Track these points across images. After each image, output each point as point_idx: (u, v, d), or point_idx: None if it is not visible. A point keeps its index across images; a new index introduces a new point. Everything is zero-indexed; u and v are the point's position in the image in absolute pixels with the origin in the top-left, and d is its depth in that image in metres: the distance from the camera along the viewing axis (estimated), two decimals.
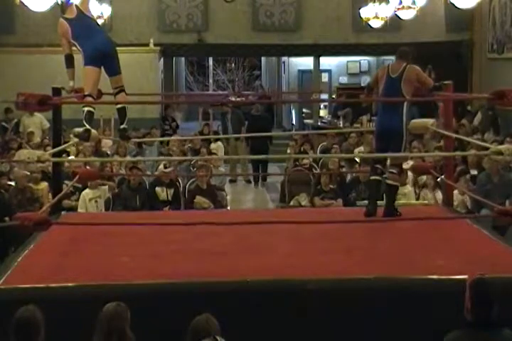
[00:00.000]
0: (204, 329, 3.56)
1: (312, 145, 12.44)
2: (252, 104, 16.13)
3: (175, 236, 5.73)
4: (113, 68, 6.45)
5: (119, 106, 6.67)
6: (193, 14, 16.76)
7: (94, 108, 6.37)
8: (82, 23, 6.44)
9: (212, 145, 12.82)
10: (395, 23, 15.51)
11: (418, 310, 4.53)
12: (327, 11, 16.85)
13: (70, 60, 6.49)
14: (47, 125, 12.62)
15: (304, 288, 4.59)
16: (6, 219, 7.99)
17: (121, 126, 6.82)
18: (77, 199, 9.17)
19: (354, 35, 16.98)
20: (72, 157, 10.07)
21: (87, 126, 6.30)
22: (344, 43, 17.11)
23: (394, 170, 6.46)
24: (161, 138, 12.44)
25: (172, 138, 12.67)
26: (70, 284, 4.64)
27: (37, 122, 13.36)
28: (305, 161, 10.80)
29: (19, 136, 13.15)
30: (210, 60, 25.20)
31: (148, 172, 10.40)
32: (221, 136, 14.01)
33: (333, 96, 18.23)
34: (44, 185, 9.26)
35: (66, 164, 8.80)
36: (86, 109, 6.29)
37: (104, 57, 6.34)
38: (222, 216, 7.47)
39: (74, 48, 6.48)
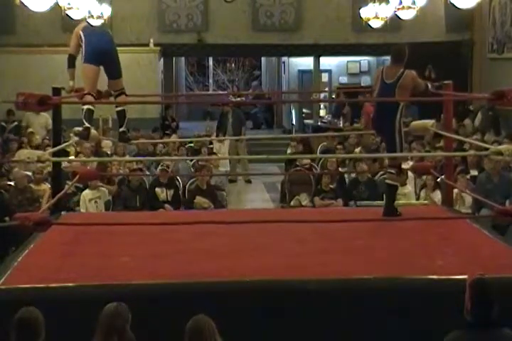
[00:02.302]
0: (201, 330, 3.56)
1: (311, 146, 12.45)
2: (252, 104, 16.16)
3: (175, 236, 5.73)
4: (113, 71, 6.53)
5: (118, 108, 6.72)
6: (193, 14, 16.76)
7: (93, 106, 6.41)
8: (96, 27, 6.67)
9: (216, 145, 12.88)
10: (395, 23, 15.51)
11: (418, 310, 4.53)
12: (327, 11, 16.85)
13: (72, 61, 6.59)
14: (51, 125, 12.63)
15: (304, 288, 4.59)
16: (6, 219, 7.99)
17: (121, 129, 6.85)
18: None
19: (354, 35, 16.98)
20: (72, 157, 10.05)
21: (87, 124, 6.34)
22: (344, 43, 17.12)
23: (392, 170, 6.49)
24: (161, 140, 12.43)
25: (171, 139, 12.66)
26: (70, 284, 4.64)
27: (42, 121, 13.36)
28: (305, 161, 10.80)
29: (19, 136, 13.14)
30: (210, 60, 25.18)
31: (148, 173, 10.39)
32: (219, 138, 13.96)
33: (333, 96, 18.22)
34: (46, 186, 9.25)
35: (66, 164, 8.80)
36: (85, 107, 6.35)
37: (104, 57, 6.39)
38: (222, 216, 7.47)
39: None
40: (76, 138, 7.01)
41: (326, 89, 20.04)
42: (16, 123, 13.88)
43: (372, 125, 6.67)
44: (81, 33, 6.51)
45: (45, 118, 13.17)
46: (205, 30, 16.85)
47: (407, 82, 6.12)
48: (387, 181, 6.56)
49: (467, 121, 14.37)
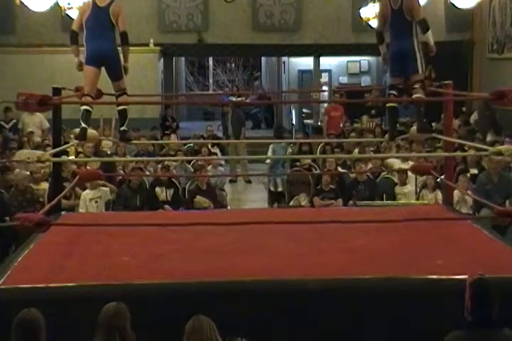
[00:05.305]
0: (201, 330, 3.56)
1: (311, 146, 12.43)
2: (252, 104, 16.12)
3: (175, 235, 5.73)
4: (114, 73, 6.54)
5: (120, 107, 6.72)
6: (193, 14, 16.75)
7: (91, 107, 6.41)
8: (99, 18, 6.46)
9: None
10: None
11: (418, 310, 4.53)
12: (327, 11, 16.84)
13: (74, 37, 6.56)
14: (46, 125, 12.61)
15: (304, 288, 4.59)
16: (6, 219, 7.99)
17: (121, 128, 6.87)
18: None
19: (354, 35, 16.96)
20: (72, 157, 10.05)
21: (83, 125, 6.35)
22: (344, 43, 17.10)
23: (417, 86, 6.71)
24: (161, 141, 12.42)
25: (171, 140, 12.65)
26: (70, 284, 4.64)
27: (37, 121, 13.33)
28: (305, 161, 10.79)
29: (19, 136, 13.13)
30: (210, 60, 25.19)
31: (148, 173, 10.38)
32: (219, 140, 13.96)
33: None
34: (45, 185, 9.24)
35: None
36: (83, 107, 6.35)
37: (104, 61, 6.39)
38: (222, 216, 7.47)
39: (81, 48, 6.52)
40: (76, 141, 7.03)
41: (325, 88, 20.03)
42: (14, 121, 13.86)
43: (390, 50, 7.13)
44: (84, 23, 6.45)
45: (40, 118, 13.15)
46: (205, 30, 16.83)
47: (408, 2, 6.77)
48: (417, 95, 6.69)
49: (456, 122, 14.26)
